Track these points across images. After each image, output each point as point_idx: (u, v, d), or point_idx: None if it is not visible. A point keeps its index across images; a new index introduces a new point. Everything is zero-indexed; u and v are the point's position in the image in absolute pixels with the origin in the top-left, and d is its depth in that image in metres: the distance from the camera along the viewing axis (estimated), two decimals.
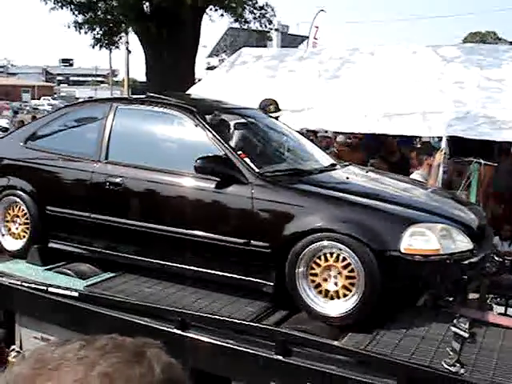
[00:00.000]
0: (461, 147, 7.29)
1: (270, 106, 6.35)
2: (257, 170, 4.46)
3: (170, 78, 11.80)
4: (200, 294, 4.64)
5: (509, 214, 7.71)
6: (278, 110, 6.41)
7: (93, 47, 13.58)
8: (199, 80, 12.34)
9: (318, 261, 4.08)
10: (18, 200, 5.40)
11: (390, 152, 8.52)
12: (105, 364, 0.64)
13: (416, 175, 7.06)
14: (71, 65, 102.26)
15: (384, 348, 3.76)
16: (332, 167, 5.20)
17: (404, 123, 7.40)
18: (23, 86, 70.04)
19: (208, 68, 33.55)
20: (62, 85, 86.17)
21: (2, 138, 6.49)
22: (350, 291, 3.99)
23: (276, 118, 6.05)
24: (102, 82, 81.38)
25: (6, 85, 66.76)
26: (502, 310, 5.70)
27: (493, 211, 7.40)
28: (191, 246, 4.59)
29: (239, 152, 4.59)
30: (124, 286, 4.85)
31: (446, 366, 3.50)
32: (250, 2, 13.68)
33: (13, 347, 5.04)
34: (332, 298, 4.06)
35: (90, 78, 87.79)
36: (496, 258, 4.85)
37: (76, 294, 4.62)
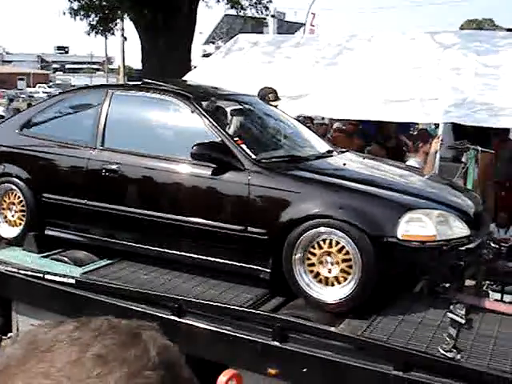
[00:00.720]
0: (461, 134, 7.29)
1: (269, 95, 6.33)
2: (253, 157, 4.45)
3: (165, 64, 11.72)
4: (197, 281, 4.64)
5: (508, 201, 7.71)
6: (277, 98, 6.39)
7: (88, 34, 13.48)
8: (195, 67, 12.27)
9: (314, 247, 4.08)
10: (13, 187, 5.37)
11: (387, 137, 8.51)
12: (99, 346, 0.63)
13: (412, 162, 7.05)
14: (67, 52, 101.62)
15: (381, 334, 3.77)
16: (329, 154, 5.19)
17: (401, 110, 7.38)
18: (18, 73, 69.55)
19: (204, 55, 33.41)
20: (57, 72, 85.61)
21: None
22: (347, 277, 3.99)
23: (275, 107, 6.03)
24: (97, 69, 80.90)
25: (1, 72, 66.38)
26: (497, 296, 5.70)
27: (491, 198, 7.39)
28: (188, 233, 4.58)
29: (236, 138, 4.58)
30: (121, 272, 4.84)
31: (442, 351, 3.51)
32: None
33: (10, 335, 5.04)
34: (329, 285, 4.06)
35: (85, 66, 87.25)
36: (492, 245, 4.86)
37: (73, 281, 4.62)
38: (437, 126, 8.18)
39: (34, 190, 5.27)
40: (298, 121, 6.44)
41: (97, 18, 13.24)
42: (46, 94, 37.17)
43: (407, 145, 8.62)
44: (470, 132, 7.23)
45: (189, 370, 0.68)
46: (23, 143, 5.47)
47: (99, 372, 0.61)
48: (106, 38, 14.88)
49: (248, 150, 4.48)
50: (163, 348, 0.67)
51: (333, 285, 4.05)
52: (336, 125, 9.28)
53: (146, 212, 4.71)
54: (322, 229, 4.05)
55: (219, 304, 4.13)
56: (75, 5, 13.10)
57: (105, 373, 0.61)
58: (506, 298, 5.63)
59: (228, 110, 5.16)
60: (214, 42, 38.50)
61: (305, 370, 3.70)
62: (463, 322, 3.68)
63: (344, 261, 3.99)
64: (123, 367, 0.62)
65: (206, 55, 29.99)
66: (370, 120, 7.94)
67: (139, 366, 0.63)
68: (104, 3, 13.04)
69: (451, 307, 3.79)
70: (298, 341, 3.81)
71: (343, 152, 5.39)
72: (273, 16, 17.08)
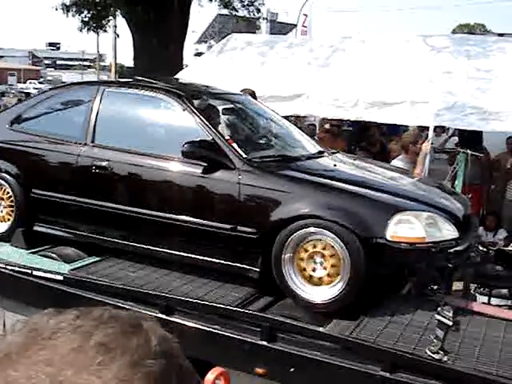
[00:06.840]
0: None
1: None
2: (244, 156, 4.45)
3: (157, 62, 11.69)
4: (185, 279, 4.63)
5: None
6: (255, 99, 6.37)
7: (80, 30, 13.40)
8: (187, 66, 12.25)
9: (304, 247, 4.08)
10: (2, 182, 5.34)
11: (372, 143, 8.57)
12: (101, 334, 0.63)
13: (397, 162, 7.07)
14: (58, 48, 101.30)
15: (369, 335, 3.78)
16: (320, 154, 5.20)
17: (392, 112, 7.41)
18: (9, 69, 69.13)
19: (196, 54, 33.39)
20: (48, 68, 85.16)
21: None
22: (336, 278, 3.99)
23: None
24: (89, 66, 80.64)
25: None
26: (485, 299, 5.74)
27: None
28: (177, 231, 4.57)
29: (227, 137, 4.57)
30: (109, 270, 4.82)
31: (429, 353, 3.53)
32: None
33: None
34: (318, 285, 4.07)
35: (77, 62, 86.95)
36: (480, 248, 4.89)
37: (61, 278, 4.60)
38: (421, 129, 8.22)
39: (24, 185, 5.24)
40: (289, 121, 6.44)
41: (89, 15, 13.18)
42: (36, 90, 36.99)
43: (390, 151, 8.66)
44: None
45: (188, 361, 0.68)
46: (13, 138, 5.44)
47: (102, 360, 0.61)
48: (98, 35, 14.79)
49: (239, 149, 4.48)
50: (164, 338, 0.67)
51: (321, 285, 4.06)
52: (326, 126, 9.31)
53: (135, 209, 4.69)
54: (312, 229, 4.05)
55: (208, 302, 4.12)
56: (68, 1, 13.04)
57: (107, 361, 0.61)
58: (493, 301, 5.66)
59: (220, 108, 5.16)
60: (206, 41, 38.53)
61: (292, 369, 3.71)
62: (451, 323, 3.69)
63: (333, 261, 4.00)
64: (125, 355, 0.62)
65: (198, 54, 29.97)
66: (354, 122, 7.97)
67: (141, 355, 0.63)
68: (96, 0, 12.98)
69: (439, 309, 3.80)
70: (286, 340, 3.81)
71: (334, 153, 5.40)
72: (265, 18, 17.02)
